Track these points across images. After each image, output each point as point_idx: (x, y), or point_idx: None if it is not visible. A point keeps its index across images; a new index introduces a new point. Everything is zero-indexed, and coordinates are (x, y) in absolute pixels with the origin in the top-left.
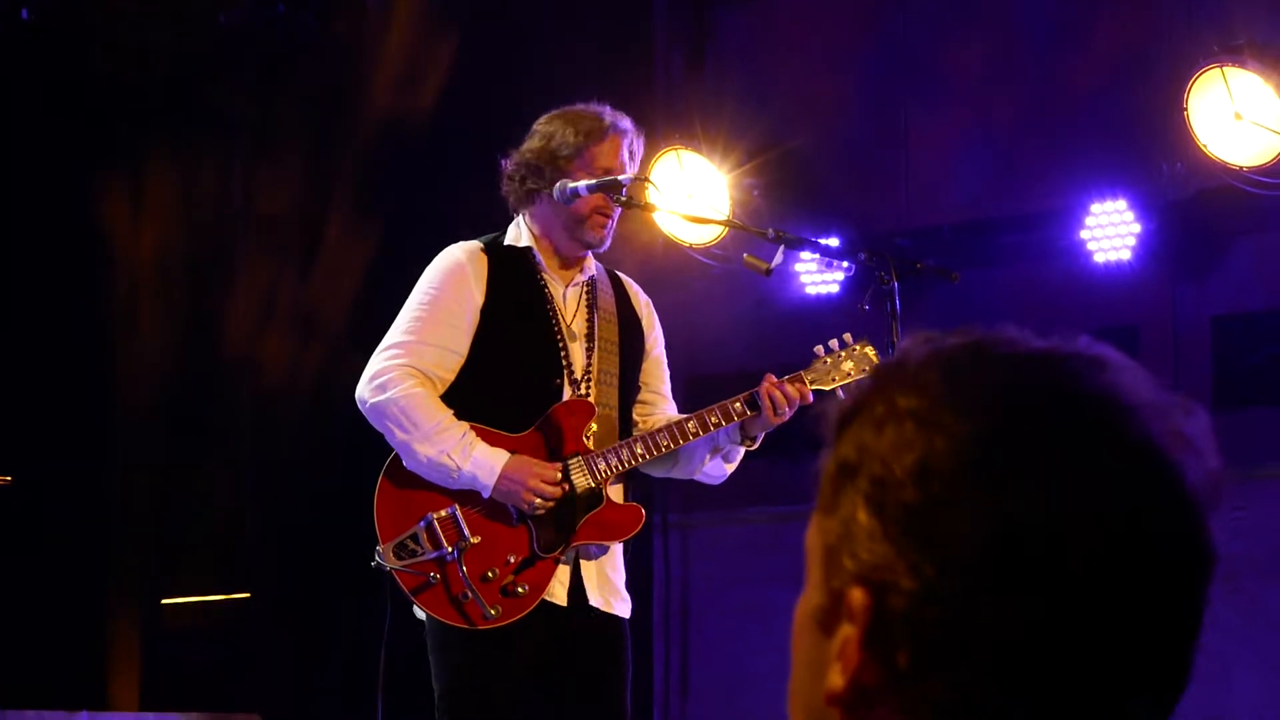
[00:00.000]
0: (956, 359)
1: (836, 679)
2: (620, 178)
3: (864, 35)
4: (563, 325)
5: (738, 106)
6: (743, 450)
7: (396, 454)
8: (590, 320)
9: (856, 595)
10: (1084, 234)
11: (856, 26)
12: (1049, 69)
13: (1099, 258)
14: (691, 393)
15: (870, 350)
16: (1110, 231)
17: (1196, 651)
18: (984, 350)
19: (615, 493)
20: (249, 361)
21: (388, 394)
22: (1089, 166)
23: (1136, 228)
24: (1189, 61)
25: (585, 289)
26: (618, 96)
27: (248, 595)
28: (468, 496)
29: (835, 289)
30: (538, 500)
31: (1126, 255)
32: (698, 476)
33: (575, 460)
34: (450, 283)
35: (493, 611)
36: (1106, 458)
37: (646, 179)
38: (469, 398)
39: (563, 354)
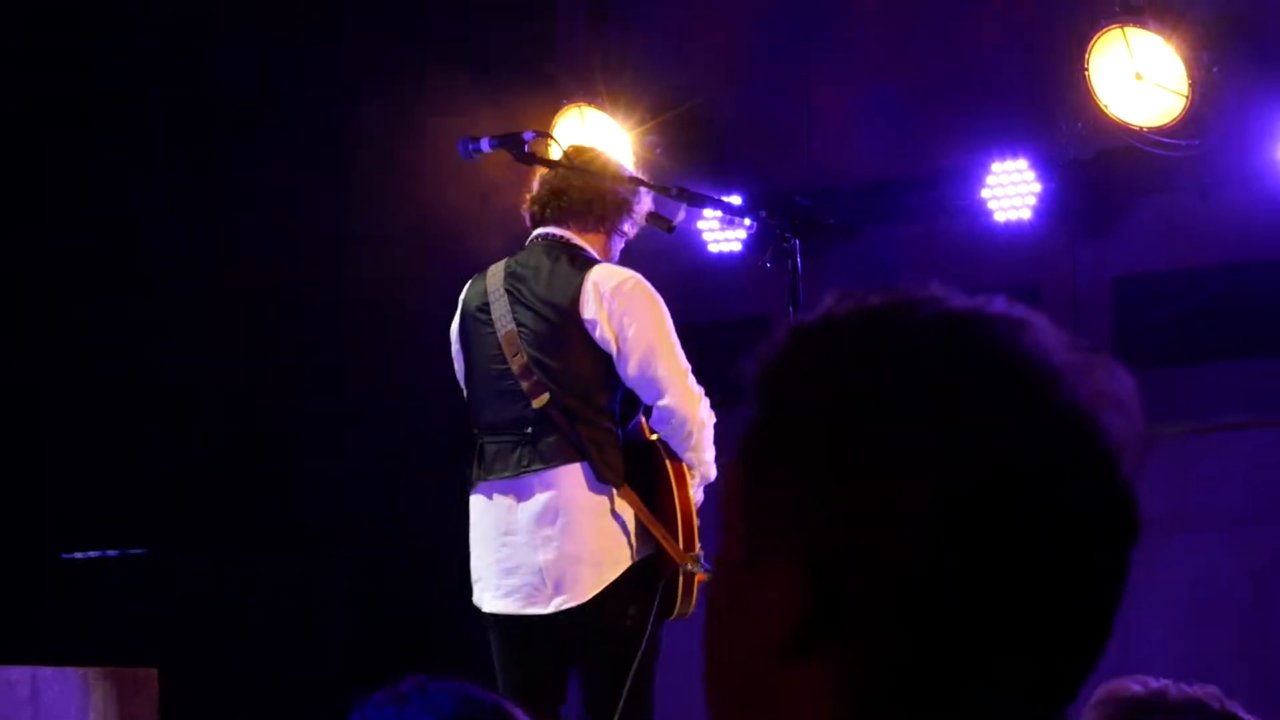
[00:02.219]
0: (879, 320)
1: (782, 624)
2: (523, 134)
3: None
4: None
5: (641, 64)
6: None
7: (683, 467)
8: None
9: (796, 548)
10: (985, 193)
11: None
12: (951, 28)
13: (1000, 217)
14: None
15: None
16: (1011, 191)
17: (1115, 615)
18: (906, 311)
19: None
20: (153, 318)
21: (713, 417)
22: (990, 126)
23: (1037, 187)
24: (1090, 21)
25: None
26: (520, 53)
27: (146, 550)
28: None
29: (738, 247)
30: None
31: (1027, 215)
32: None
33: None
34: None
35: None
36: (1030, 418)
37: (549, 136)
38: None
39: None
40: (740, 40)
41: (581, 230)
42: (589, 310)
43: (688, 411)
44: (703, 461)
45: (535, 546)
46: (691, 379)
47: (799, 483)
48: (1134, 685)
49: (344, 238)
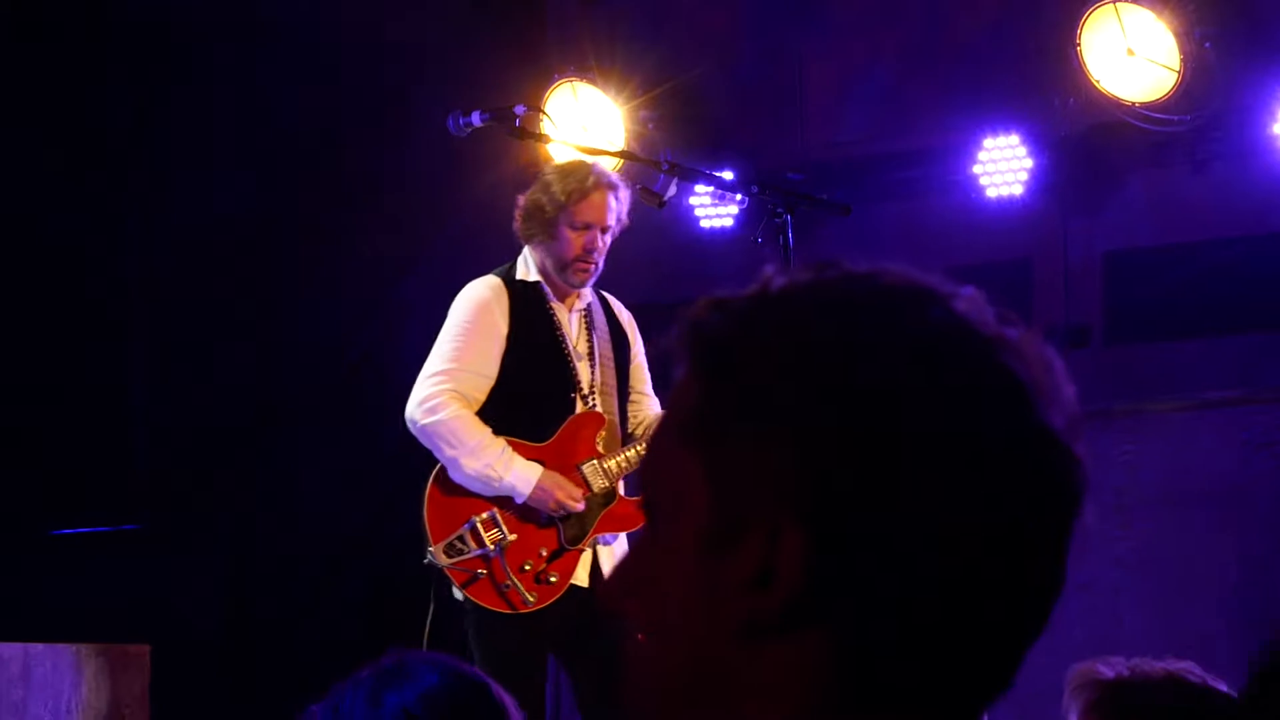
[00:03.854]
0: (832, 290)
1: (765, 601)
2: (514, 108)
3: None
4: (570, 347)
5: (632, 38)
6: None
7: (442, 466)
8: (591, 340)
9: (785, 521)
10: (977, 169)
11: None
12: (944, 3)
13: (991, 193)
14: None
15: None
16: (1003, 166)
17: (1059, 590)
18: (850, 284)
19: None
20: (136, 290)
21: (437, 416)
22: (982, 101)
23: (1029, 163)
24: None
25: (584, 313)
26: (511, 28)
27: (138, 527)
28: (503, 500)
29: (730, 222)
30: (565, 508)
31: (1019, 190)
32: None
33: (590, 465)
34: (481, 315)
35: (531, 598)
36: (970, 385)
37: (541, 110)
38: (500, 413)
39: (573, 372)
40: (733, 14)
41: (529, 246)
42: None
43: (409, 412)
44: (443, 460)
45: None
46: (432, 380)
47: (785, 447)
48: (1103, 668)
49: (334, 216)
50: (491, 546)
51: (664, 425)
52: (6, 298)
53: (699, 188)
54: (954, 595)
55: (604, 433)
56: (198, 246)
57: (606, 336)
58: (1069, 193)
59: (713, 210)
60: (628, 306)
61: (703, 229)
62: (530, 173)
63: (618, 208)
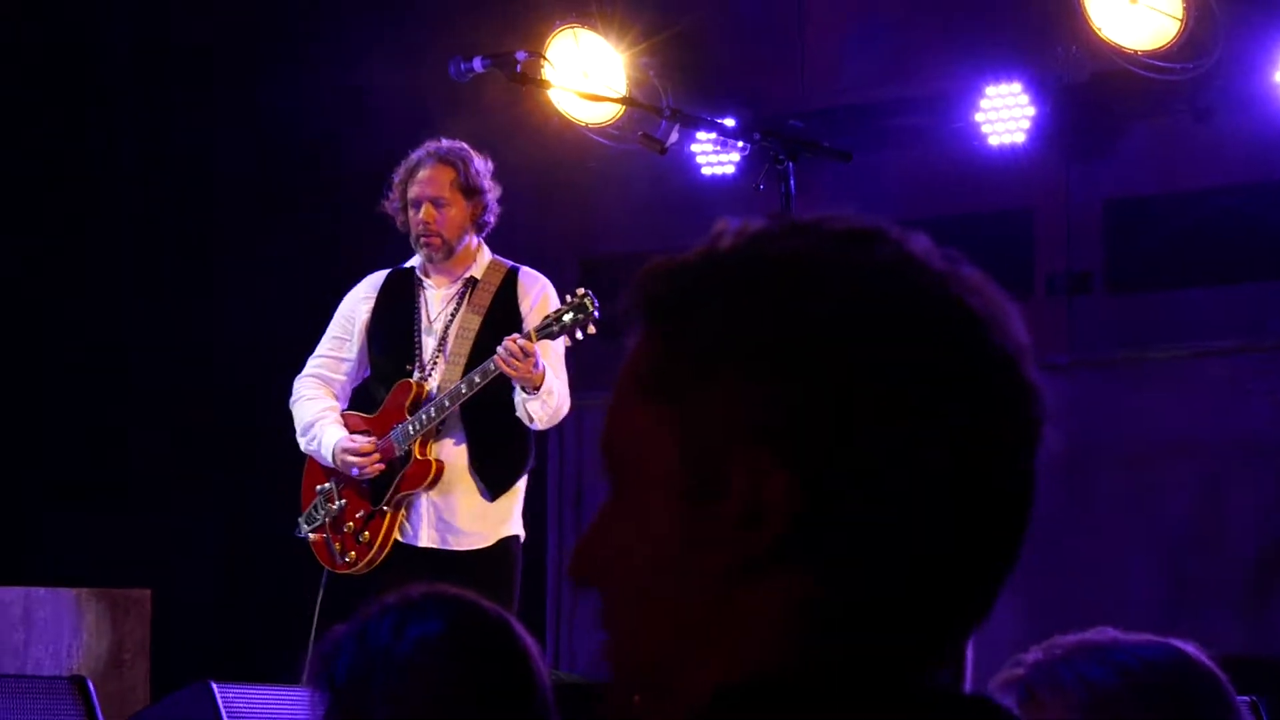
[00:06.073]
0: (782, 237)
1: (752, 541)
2: (516, 54)
3: None
4: (423, 323)
5: None
6: (533, 394)
7: None
8: (452, 316)
9: (765, 460)
10: (978, 116)
11: None
12: None
13: (993, 140)
14: (587, 275)
15: (588, 300)
16: (1005, 114)
17: (1030, 513)
18: (806, 225)
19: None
20: (130, 240)
21: (291, 400)
22: (984, 49)
23: (1031, 111)
24: None
25: (460, 290)
26: None
27: (141, 471)
28: (337, 469)
29: (731, 169)
30: (356, 470)
31: (1021, 138)
32: (527, 422)
33: (397, 429)
34: (345, 306)
35: (348, 557)
36: (926, 315)
37: (543, 56)
38: (361, 390)
39: (416, 347)
40: None
41: None
42: None
43: None
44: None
45: None
46: (305, 366)
47: (754, 389)
48: (1013, 668)
49: (334, 162)
50: (326, 512)
51: (621, 389)
52: (10, 248)
53: (700, 134)
54: (929, 519)
55: (414, 399)
56: (195, 194)
57: (481, 310)
58: (1071, 141)
59: (714, 157)
60: (627, 254)
61: (704, 176)
62: None
63: (453, 177)
